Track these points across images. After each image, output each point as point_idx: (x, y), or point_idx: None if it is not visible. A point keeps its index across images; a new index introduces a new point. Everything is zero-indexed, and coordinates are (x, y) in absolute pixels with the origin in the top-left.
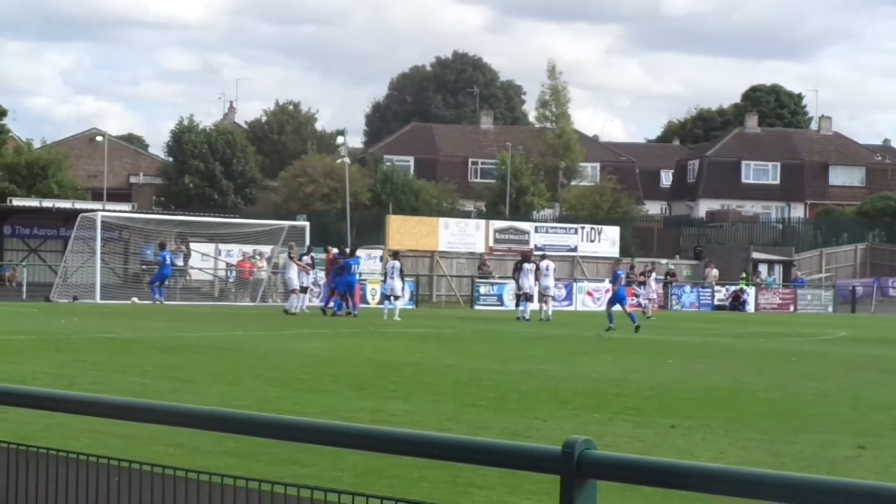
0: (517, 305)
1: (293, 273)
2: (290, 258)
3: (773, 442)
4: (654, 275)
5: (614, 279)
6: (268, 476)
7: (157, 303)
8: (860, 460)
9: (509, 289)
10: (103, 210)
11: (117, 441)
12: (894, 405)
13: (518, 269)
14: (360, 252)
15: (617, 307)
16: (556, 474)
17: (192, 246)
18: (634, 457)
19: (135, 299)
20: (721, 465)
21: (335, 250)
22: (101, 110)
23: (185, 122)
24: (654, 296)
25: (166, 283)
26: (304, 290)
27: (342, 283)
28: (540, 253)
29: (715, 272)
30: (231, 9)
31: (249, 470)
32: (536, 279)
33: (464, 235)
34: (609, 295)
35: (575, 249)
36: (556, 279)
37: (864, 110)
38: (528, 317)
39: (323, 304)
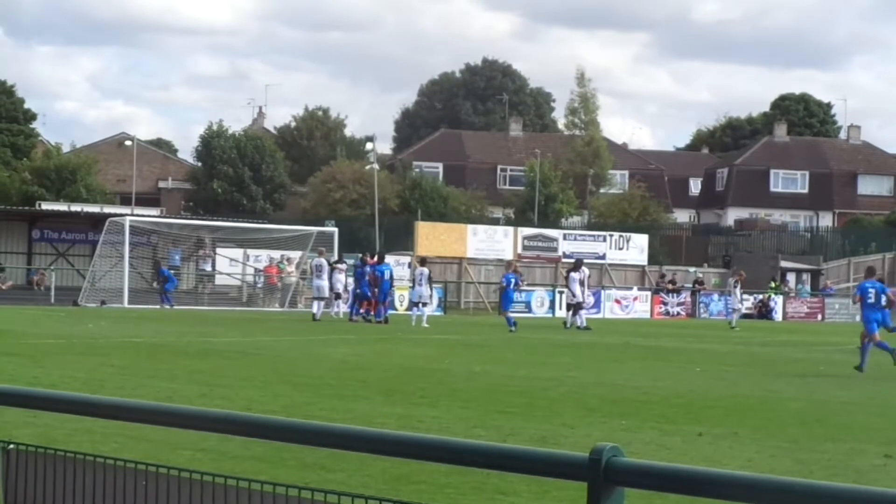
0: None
1: (324, 280)
2: (333, 265)
3: (800, 450)
4: (739, 285)
5: (506, 283)
6: (295, 481)
7: (168, 307)
8: (887, 469)
9: (537, 296)
10: (132, 214)
11: (145, 445)
12: None
13: (567, 277)
14: (388, 258)
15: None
16: (583, 481)
17: (220, 251)
18: (662, 464)
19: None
20: (748, 473)
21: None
22: (131, 115)
23: (214, 127)
24: (739, 306)
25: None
26: (337, 296)
27: (379, 291)
28: (569, 261)
29: None
30: (259, 14)
31: (277, 475)
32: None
33: (492, 242)
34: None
35: (603, 257)
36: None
37: (894, 119)
38: (584, 324)
39: (349, 310)
